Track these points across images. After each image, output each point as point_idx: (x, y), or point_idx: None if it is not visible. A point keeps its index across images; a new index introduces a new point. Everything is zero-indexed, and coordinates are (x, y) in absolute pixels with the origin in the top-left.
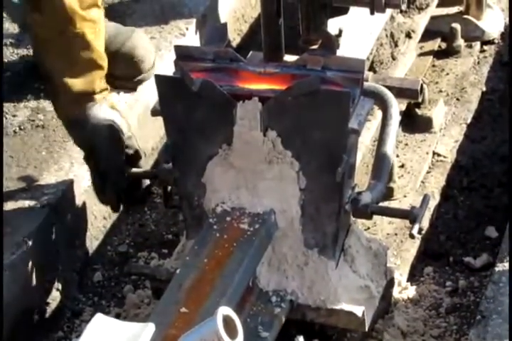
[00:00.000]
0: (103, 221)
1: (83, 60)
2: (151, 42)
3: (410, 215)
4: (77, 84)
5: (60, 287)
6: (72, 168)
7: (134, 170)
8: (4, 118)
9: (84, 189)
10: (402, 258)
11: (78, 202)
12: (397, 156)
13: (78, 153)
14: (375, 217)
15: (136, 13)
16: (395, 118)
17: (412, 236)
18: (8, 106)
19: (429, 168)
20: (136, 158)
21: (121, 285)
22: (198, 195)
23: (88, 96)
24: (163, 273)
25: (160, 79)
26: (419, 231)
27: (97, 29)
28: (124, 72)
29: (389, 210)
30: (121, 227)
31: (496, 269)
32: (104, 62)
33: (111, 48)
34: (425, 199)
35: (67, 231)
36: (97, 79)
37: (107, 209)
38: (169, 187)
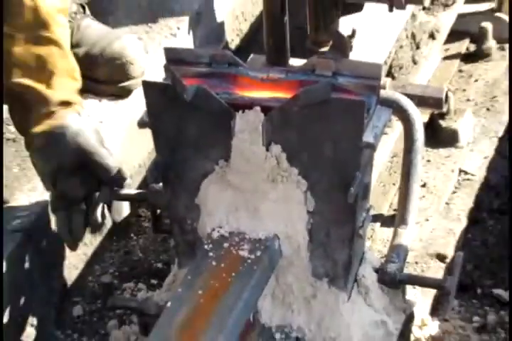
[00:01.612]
0: (83, 247)
1: (62, 72)
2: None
3: (443, 287)
4: (54, 95)
5: (35, 323)
6: None
7: (119, 191)
8: None
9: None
10: (423, 289)
11: (55, 225)
12: None
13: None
14: None
15: (120, 10)
16: (420, 133)
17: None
18: None
19: (455, 187)
20: (119, 180)
21: (104, 320)
22: (191, 219)
23: (66, 106)
24: (152, 306)
25: (148, 86)
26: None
27: (67, 36)
28: (109, 75)
29: (419, 279)
30: (105, 255)
31: None
32: (78, 73)
33: (95, 49)
34: (457, 262)
35: (43, 259)
36: (75, 92)
37: (88, 234)
38: (158, 210)
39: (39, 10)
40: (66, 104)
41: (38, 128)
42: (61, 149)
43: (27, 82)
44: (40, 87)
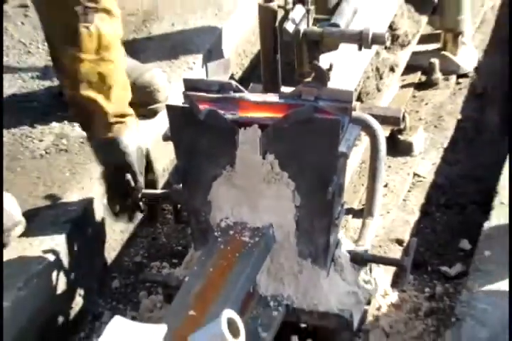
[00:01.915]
0: (120, 234)
1: (118, 85)
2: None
3: (401, 265)
4: (112, 107)
5: (82, 293)
6: (92, 188)
7: (148, 191)
8: (32, 143)
9: (103, 206)
10: (385, 267)
11: (98, 217)
12: None
13: (98, 174)
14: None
15: (149, 50)
16: (383, 145)
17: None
18: (35, 133)
19: (410, 187)
20: (154, 182)
21: (136, 291)
22: (205, 212)
23: (121, 119)
24: (174, 280)
25: (170, 109)
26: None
27: (122, 57)
28: (140, 100)
29: (382, 259)
30: (137, 240)
31: (470, 277)
32: (129, 88)
33: (130, 79)
34: (412, 245)
35: (88, 243)
36: (127, 104)
37: (123, 224)
38: (179, 205)
39: (102, 37)
40: (121, 116)
41: (98, 136)
42: (111, 157)
43: (91, 94)
44: (101, 99)
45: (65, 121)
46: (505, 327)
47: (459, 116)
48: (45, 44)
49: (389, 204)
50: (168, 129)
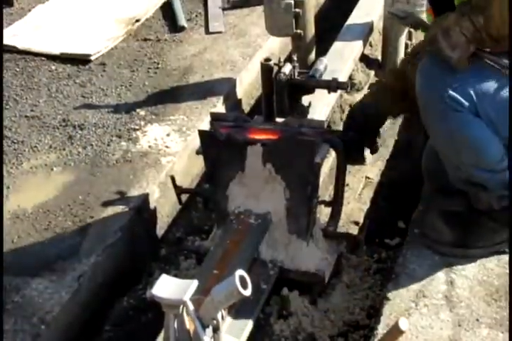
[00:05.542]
0: (166, 218)
1: None
2: None
3: (357, 239)
4: None
5: (140, 258)
6: (148, 186)
7: (185, 188)
8: (107, 156)
9: (155, 199)
10: (348, 240)
11: (152, 206)
12: None
13: (152, 177)
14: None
15: (187, 93)
16: (344, 158)
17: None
18: (109, 149)
19: (363, 186)
20: None
21: (177, 256)
22: (224, 202)
23: None
24: (203, 249)
25: (201, 133)
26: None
27: None
28: None
29: (345, 234)
30: (178, 221)
31: (404, 247)
32: None
33: None
34: (365, 225)
35: (145, 224)
36: None
37: (169, 211)
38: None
39: None
40: None
41: None
42: None
43: None
44: None
45: (130, 141)
46: (428, 281)
47: (396, 138)
48: (118, 89)
49: (349, 197)
50: (200, 147)
